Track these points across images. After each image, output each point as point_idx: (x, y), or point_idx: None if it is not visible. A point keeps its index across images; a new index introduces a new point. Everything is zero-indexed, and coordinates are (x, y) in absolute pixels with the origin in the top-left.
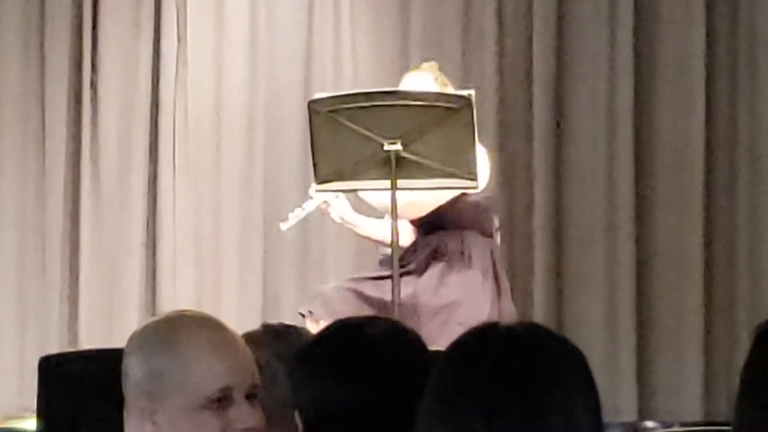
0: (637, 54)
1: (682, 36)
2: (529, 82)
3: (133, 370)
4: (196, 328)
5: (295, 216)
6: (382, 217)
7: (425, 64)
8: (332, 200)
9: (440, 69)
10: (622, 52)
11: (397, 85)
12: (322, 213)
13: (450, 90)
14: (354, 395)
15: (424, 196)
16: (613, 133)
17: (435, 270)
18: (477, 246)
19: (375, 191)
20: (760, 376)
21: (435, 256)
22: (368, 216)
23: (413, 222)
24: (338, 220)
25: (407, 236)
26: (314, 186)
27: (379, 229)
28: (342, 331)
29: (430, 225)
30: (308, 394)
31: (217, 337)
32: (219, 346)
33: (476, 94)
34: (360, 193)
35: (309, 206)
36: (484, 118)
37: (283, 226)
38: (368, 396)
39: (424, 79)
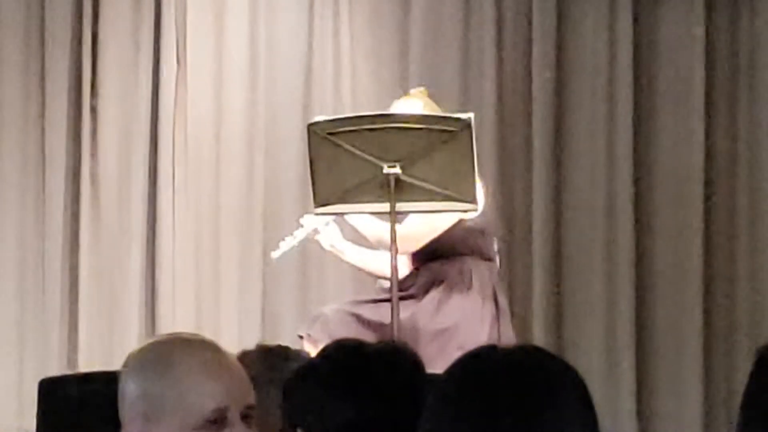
0: (637, 75)
1: (681, 57)
2: (529, 105)
3: (129, 392)
4: (190, 349)
5: (286, 244)
6: (375, 249)
7: (413, 90)
8: (322, 228)
9: (430, 95)
10: (621, 74)
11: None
12: (311, 242)
13: (440, 113)
14: (354, 413)
15: (419, 229)
16: (612, 157)
17: (434, 294)
18: (477, 270)
19: (366, 223)
20: (762, 400)
21: (435, 281)
22: (361, 246)
23: (410, 255)
24: (328, 248)
25: (402, 268)
26: (306, 216)
27: (369, 258)
28: (342, 350)
29: (429, 253)
30: (308, 412)
31: (211, 358)
32: (214, 366)
33: (475, 118)
34: (353, 224)
35: (300, 234)
36: (483, 142)
37: (274, 255)
38: (368, 414)
39: (413, 106)
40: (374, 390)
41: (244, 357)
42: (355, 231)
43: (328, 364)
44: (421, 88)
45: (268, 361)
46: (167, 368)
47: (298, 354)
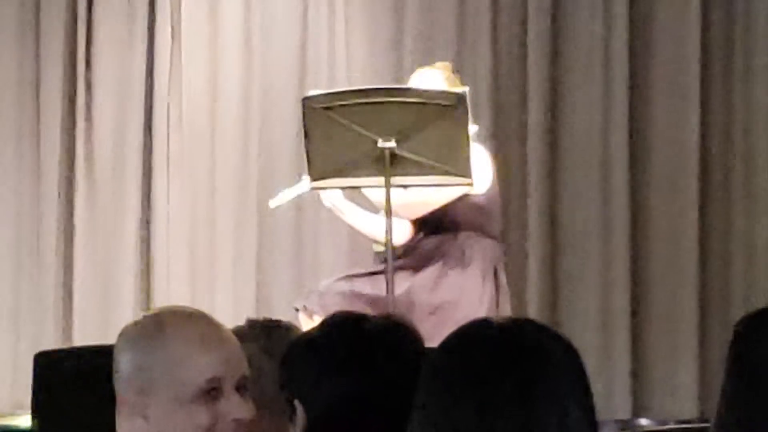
0: (632, 55)
1: (677, 35)
2: (524, 84)
3: (123, 366)
4: (183, 321)
5: (284, 195)
6: (378, 213)
7: (439, 63)
8: None
9: (454, 70)
10: (617, 53)
11: (390, 83)
12: (313, 197)
13: (456, 88)
14: (352, 387)
15: (421, 197)
16: (607, 135)
17: (432, 269)
18: (478, 247)
19: (375, 188)
20: (742, 371)
21: (434, 255)
22: (365, 209)
23: (413, 222)
24: (328, 205)
25: (403, 235)
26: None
27: (368, 222)
28: (342, 323)
29: (432, 225)
30: (306, 385)
31: (205, 331)
32: (207, 339)
33: (471, 94)
34: (362, 190)
35: (300, 187)
36: (479, 120)
37: (272, 203)
38: (366, 388)
39: (434, 76)
40: (374, 364)
41: (239, 330)
42: (361, 196)
43: (327, 337)
44: (447, 63)
45: (260, 335)
46: (161, 341)
47: (292, 326)
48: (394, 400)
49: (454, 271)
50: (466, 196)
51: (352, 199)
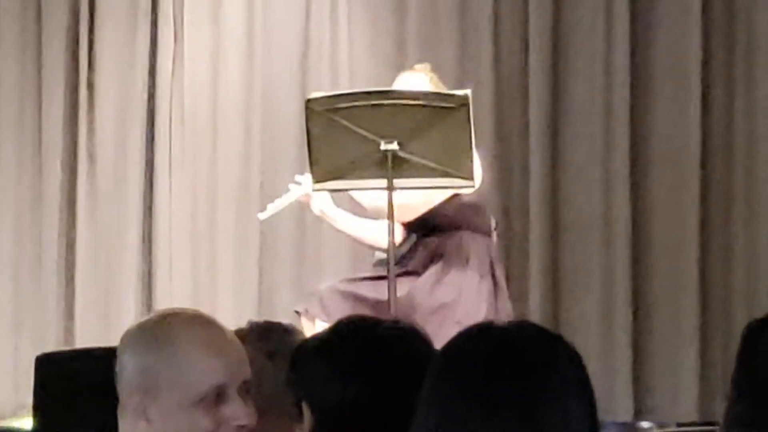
0: (634, 56)
1: (678, 38)
2: (526, 82)
3: (126, 368)
4: (188, 325)
5: (274, 206)
6: (372, 218)
7: (418, 65)
8: (313, 192)
9: (433, 70)
10: (618, 52)
11: (393, 84)
12: (301, 205)
13: (443, 90)
14: (362, 392)
15: (416, 199)
16: (609, 134)
17: (432, 270)
18: (474, 246)
19: (365, 192)
20: (749, 374)
21: (433, 257)
22: (354, 214)
23: (404, 224)
24: (318, 213)
25: (395, 236)
26: (298, 177)
27: (359, 226)
28: (353, 327)
29: (426, 227)
30: (316, 388)
31: (209, 334)
32: (212, 342)
33: (473, 94)
34: (351, 193)
35: (288, 197)
36: (481, 119)
37: (261, 216)
38: (375, 393)
39: (417, 80)
40: (384, 369)
41: (241, 333)
42: (352, 199)
43: (340, 340)
44: (426, 64)
45: (262, 338)
46: (166, 344)
47: (294, 329)
48: (403, 405)
49: (453, 271)
50: (456, 195)
51: (341, 205)
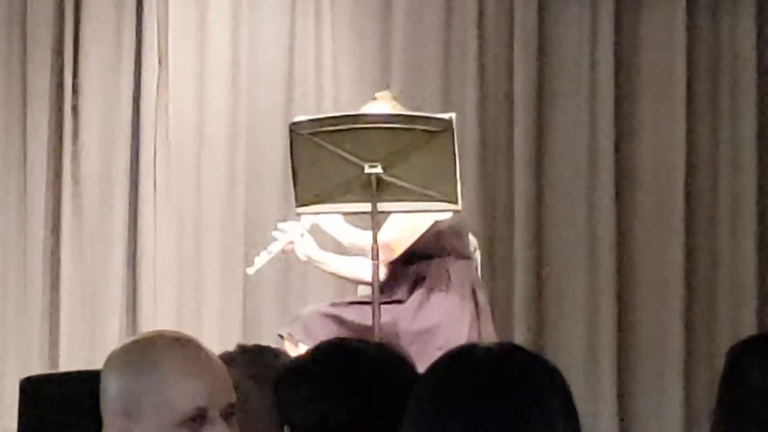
0: (618, 77)
1: (662, 58)
2: (510, 105)
3: (110, 390)
4: (172, 347)
5: (260, 259)
6: (350, 255)
7: (378, 94)
8: (298, 239)
9: (395, 97)
10: (602, 74)
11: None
12: (286, 254)
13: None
14: (344, 415)
15: (399, 236)
16: (594, 157)
17: (415, 296)
18: (455, 270)
19: (343, 230)
20: (732, 398)
21: (416, 283)
22: (336, 254)
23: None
24: (304, 259)
25: (380, 270)
26: (283, 224)
27: (346, 266)
28: (334, 350)
29: (408, 255)
30: (297, 412)
31: (193, 356)
32: (195, 364)
33: (457, 118)
34: (328, 231)
35: (274, 248)
36: (465, 142)
37: (250, 271)
38: (358, 416)
39: (380, 108)
40: (365, 392)
41: (227, 355)
42: (331, 238)
43: (318, 363)
44: (386, 91)
45: (252, 360)
46: (149, 366)
47: (282, 353)
48: (387, 428)
49: (435, 295)
50: (436, 222)
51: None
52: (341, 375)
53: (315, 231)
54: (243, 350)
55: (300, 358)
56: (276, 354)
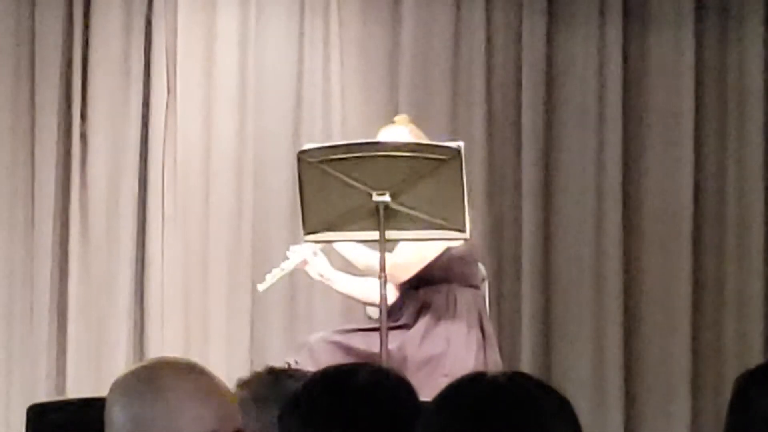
0: (626, 108)
1: (670, 91)
2: (518, 134)
3: (116, 417)
4: (178, 373)
5: (272, 276)
6: (363, 276)
7: (397, 117)
8: (311, 258)
9: (412, 121)
10: (610, 105)
11: (377, 138)
12: (299, 271)
13: (424, 140)
14: None
15: (410, 258)
16: (601, 186)
17: (422, 323)
18: (462, 298)
19: (357, 252)
20: (740, 426)
21: (422, 309)
22: (349, 273)
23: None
24: (317, 278)
25: (390, 295)
26: (293, 247)
27: (359, 286)
28: (332, 378)
29: (414, 281)
30: None
31: (200, 383)
32: (202, 391)
33: (465, 147)
34: (342, 251)
35: (287, 266)
36: (473, 170)
37: (261, 287)
38: None
39: (399, 133)
40: (361, 419)
41: (250, 379)
42: (344, 259)
43: (308, 392)
44: (404, 115)
45: (273, 382)
46: (155, 392)
47: (304, 374)
48: None
49: (442, 322)
50: (447, 248)
51: (338, 266)
52: (330, 403)
53: (327, 250)
54: (268, 371)
55: (295, 391)
56: (300, 375)
